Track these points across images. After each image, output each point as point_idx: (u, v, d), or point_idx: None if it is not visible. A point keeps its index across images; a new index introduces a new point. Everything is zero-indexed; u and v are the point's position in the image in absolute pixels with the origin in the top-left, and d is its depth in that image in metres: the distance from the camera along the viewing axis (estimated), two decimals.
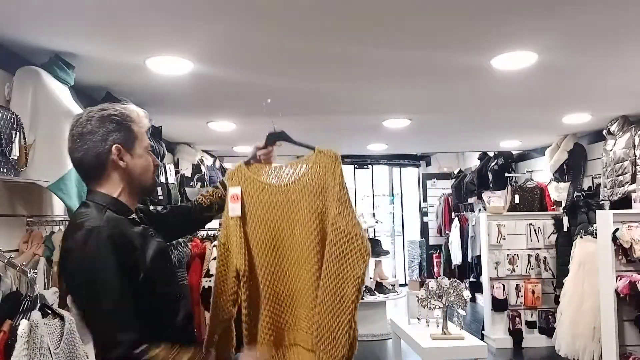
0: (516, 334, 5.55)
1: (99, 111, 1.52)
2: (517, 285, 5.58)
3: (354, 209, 1.76)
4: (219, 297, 1.88)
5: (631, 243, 3.62)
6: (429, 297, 3.53)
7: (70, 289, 1.51)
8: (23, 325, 1.86)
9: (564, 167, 5.46)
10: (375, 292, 6.26)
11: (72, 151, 1.53)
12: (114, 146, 1.50)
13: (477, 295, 6.77)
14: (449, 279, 3.60)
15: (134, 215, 1.58)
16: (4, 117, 2.14)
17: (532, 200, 5.82)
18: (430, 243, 9.13)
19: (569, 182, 5.41)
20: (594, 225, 4.33)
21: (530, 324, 5.59)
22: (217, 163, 6.30)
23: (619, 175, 4.29)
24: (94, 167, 1.52)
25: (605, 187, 4.50)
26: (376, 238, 7.00)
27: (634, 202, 3.97)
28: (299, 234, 1.80)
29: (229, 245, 1.88)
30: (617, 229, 3.67)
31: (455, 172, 8.56)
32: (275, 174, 1.88)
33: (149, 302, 1.46)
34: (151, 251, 1.51)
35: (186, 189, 4.59)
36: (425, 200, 9.41)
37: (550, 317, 5.42)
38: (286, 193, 1.83)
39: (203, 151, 6.11)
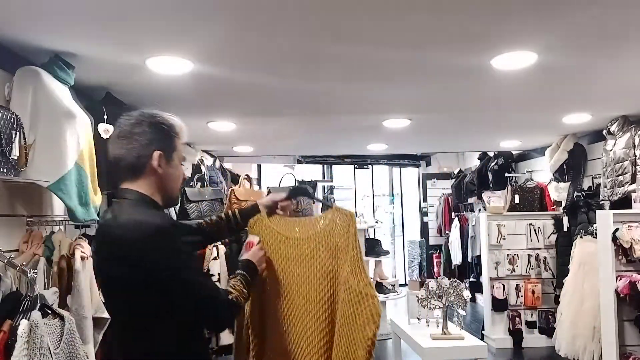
0: (516, 334, 5.55)
1: (150, 117, 1.62)
2: (517, 285, 5.58)
3: (367, 269, 1.82)
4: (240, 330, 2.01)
5: (631, 243, 3.62)
6: (429, 297, 3.53)
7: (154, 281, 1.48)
8: (23, 325, 1.86)
9: (564, 167, 5.46)
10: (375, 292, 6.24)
11: (115, 148, 1.60)
12: (155, 152, 1.58)
13: (477, 295, 6.77)
14: (449, 279, 3.60)
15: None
16: (4, 117, 2.14)
17: (532, 200, 5.82)
18: (430, 243, 9.13)
19: (569, 182, 5.41)
20: (594, 225, 4.33)
21: (530, 324, 5.59)
22: (217, 163, 6.30)
23: (619, 175, 4.29)
24: (133, 168, 1.59)
25: (605, 187, 4.50)
26: (376, 238, 7.00)
27: (634, 202, 3.97)
28: (310, 288, 1.87)
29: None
30: (617, 229, 3.67)
31: (455, 172, 8.56)
32: (293, 227, 1.96)
33: None
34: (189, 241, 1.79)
35: (186, 189, 4.59)
36: (425, 200, 9.41)
37: (550, 317, 5.42)
38: (301, 246, 1.91)
39: (203, 151, 6.11)
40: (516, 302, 5.57)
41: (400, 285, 7.14)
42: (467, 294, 3.61)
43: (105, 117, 2.90)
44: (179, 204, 4.52)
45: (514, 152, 6.80)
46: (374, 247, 6.47)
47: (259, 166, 8.69)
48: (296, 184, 4.91)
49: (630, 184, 4.14)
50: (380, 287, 6.33)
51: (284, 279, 1.91)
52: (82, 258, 2.46)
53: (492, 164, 6.81)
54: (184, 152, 1.70)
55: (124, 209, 1.55)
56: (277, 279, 1.91)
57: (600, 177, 4.72)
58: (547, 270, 5.57)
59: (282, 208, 2.02)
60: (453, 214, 8.10)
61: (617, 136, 4.39)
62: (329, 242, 1.86)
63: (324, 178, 9.45)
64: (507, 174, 6.49)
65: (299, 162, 8.61)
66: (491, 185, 6.67)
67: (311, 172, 9.25)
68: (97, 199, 2.66)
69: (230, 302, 1.61)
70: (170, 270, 1.47)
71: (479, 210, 6.96)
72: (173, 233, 1.52)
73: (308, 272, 1.87)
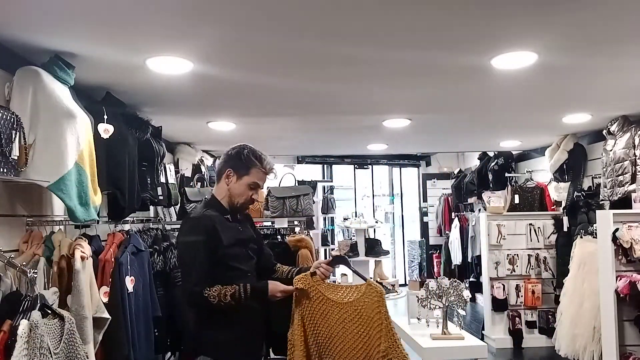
0: (516, 334, 5.55)
1: (243, 148, 2.34)
2: (517, 285, 5.58)
3: (401, 342, 2.27)
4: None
5: (631, 243, 3.62)
6: (429, 297, 3.53)
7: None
8: (23, 325, 1.86)
9: (564, 167, 5.46)
10: None
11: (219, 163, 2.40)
12: (228, 169, 2.33)
13: (477, 295, 6.77)
14: (449, 279, 3.59)
15: (228, 216, 2.32)
16: (4, 117, 2.14)
17: (532, 200, 5.82)
18: (430, 243, 9.14)
19: (569, 182, 5.41)
20: (594, 225, 4.33)
21: (530, 324, 5.59)
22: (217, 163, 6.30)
23: (619, 175, 4.29)
24: (217, 176, 2.40)
25: (605, 187, 4.50)
26: (376, 238, 7.00)
27: (634, 202, 3.97)
28: (345, 349, 2.27)
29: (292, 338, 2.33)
30: (617, 229, 3.67)
31: (455, 172, 8.56)
32: (333, 291, 2.35)
33: (226, 269, 2.24)
34: (227, 235, 2.24)
35: (186, 189, 4.59)
36: (425, 200, 9.41)
37: (550, 317, 5.42)
38: (341, 311, 2.30)
39: (203, 151, 6.11)
40: (516, 302, 5.58)
41: (400, 285, 7.13)
42: (467, 294, 3.61)
43: (105, 117, 2.90)
44: (179, 204, 4.52)
45: (514, 152, 6.80)
46: (374, 247, 6.47)
47: None
48: (296, 184, 4.91)
49: (630, 184, 4.14)
50: None
51: (324, 335, 2.29)
52: (82, 258, 2.46)
53: (492, 164, 6.81)
54: (257, 182, 2.33)
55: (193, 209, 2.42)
56: (317, 332, 2.30)
57: (600, 177, 4.73)
58: (547, 270, 5.57)
59: (323, 272, 2.36)
60: (453, 214, 8.10)
61: (617, 136, 4.39)
62: (364, 313, 2.27)
63: (324, 178, 9.45)
64: (507, 174, 6.49)
65: (299, 162, 8.61)
66: (491, 185, 6.68)
67: (311, 172, 9.25)
68: (97, 199, 2.66)
69: (197, 293, 2.13)
70: (180, 249, 2.40)
71: (479, 210, 6.96)
72: (200, 224, 2.22)
73: (347, 333, 2.27)
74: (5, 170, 2.13)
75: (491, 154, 7.03)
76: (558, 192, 5.54)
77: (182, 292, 2.38)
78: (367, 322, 2.26)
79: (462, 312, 3.61)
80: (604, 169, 4.54)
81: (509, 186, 6.02)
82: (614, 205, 4.33)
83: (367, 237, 6.54)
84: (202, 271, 2.17)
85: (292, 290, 2.30)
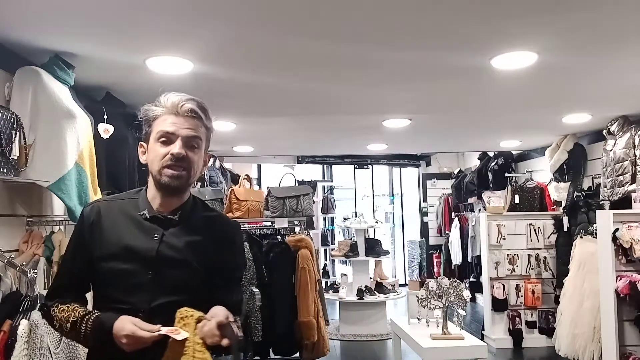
0: (516, 334, 5.54)
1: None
2: (517, 285, 5.57)
3: None
4: None
5: (631, 243, 3.62)
6: (429, 297, 3.53)
7: None
8: (23, 325, 1.86)
9: (564, 167, 5.46)
10: (375, 292, 6.26)
11: None
12: (139, 144, 1.64)
13: (477, 295, 6.77)
14: (449, 279, 3.60)
15: (145, 212, 1.55)
16: (4, 117, 2.14)
17: (532, 200, 5.82)
18: (430, 243, 9.13)
19: (569, 182, 5.41)
20: (594, 225, 4.32)
21: (530, 324, 5.58)
22: (217, 163, 6.30)
23: (619, 175, 4.29)
24: None
25: (605, 187, 4.50)
26: (376, 238, 7.00)
27: (634, 202, 3.97)
28: None
29: None
30: (617, 229, 3.67)
31: (455, 172, 8.56)
32: None
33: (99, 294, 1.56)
34: (109, 240, 1.50)
35: None
36: (425, 200, 9.40)
37: (550, 317, 5.41)
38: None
39: None
40: (516, 302, 5.57)
41: (400, 285, 7.15)
42: (467, 294, 3.61)
43: (105, 117, 2.90)
44: None
45: (514, 152, 6.80)
46: (374, 247, 6.48)
47: (259, 166, 8.70)
48: (296, 184, 4.91)
49: (630, 184, 4.14)
50: (380, 287, 6.34)
51: None
52: None
53: (492, 164, 6.81)
54: (167, 127, 1.53)
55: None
56: None
57: (600, 177, 4.72)
58: (547, 270, 5.57)
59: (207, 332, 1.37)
60: (453, 214, 8.10)
61: (617, 136, 4.39)
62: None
63: (324, 178, 9.46)
64: (507, 174, 6.48)
65: (299, 162, 8.62)
66: (491, 185, 6.68)
67: (311, 172, 9.26)
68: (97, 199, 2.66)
69: (45, 307, 1.52)
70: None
71: (479, 210, 6.96)
72: (81, 218, 1.55)
73: None
74: (5, 170, 2.13)
75: (491, 154, 7.03)
76: (558, 192, 5.54)
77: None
78: None
79: (462, 312, 3.61)
80: (604, 169, 4.54)
81: (509, 186, 6.02)
82: (614, 205, 4.32)
83: (367, 237, 6.55)
84: (60, 279, 1.60)
85: (152, 336, 1.35)
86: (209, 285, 1.51)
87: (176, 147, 1.48)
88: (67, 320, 1.43)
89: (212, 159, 6.29)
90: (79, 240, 1.53)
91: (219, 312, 1.37)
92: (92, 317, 1.42)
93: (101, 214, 1.52)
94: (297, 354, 4.07)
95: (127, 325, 1.35)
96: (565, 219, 5.29)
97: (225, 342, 1.32)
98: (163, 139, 1.51)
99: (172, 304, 1.41)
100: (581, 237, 4.70)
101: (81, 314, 1.43)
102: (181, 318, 1.38)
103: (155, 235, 1.48)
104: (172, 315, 1.38)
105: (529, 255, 5.60)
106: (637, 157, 4.13)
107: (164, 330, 1.35)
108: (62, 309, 1.45)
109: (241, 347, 1.42)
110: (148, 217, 1.51)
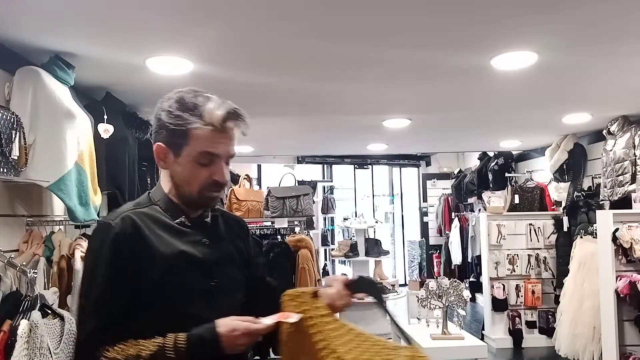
0: (516, 334, 5.55)
1: (169, 100, 1.41)
2: (517, 285, 5.58)
3: None
4: None
5: (631, 243, 3.62)
6: (429, 297, 3.53)
7: None
8: (23, 325, 1.86)
9: (564, 167, 5.46)
10: None
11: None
12: (157, 144, 1.40)
13: (477, 295, 6.76)
14: (449, 279, 3.60)
15: (182, 219, 1.41)
16: (4, 117, 2.14)
17: (532, 200, 5.82)
18: (430, 243, 9.12)
19: (569, 182, 5.41)
20: (594, 225, 4.33)
21: (530, 324, 5.59)
22: None
23: (619, 175, 4.29)
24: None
25: (605, 187, 4.50)
26: (376, 238, 7.00)
27: (634, 202, 3.97)
28: None
29: None
30: (617, 229, 3.67)
31: (455, 172, 8.55)
32: (342, 337, 1.37)
33: (159, 313, 1.39)
34: (166, 252, 1.35)
35: None
36: (425, 200, 9.40)
37: (550, 317, 5.42)
38: None
39: None
40: (516, 302, 5.57)
41: (400, 285, 7.14)
42: (467, 294, 3.61)
43: (105, 117, 2.90)
44: None
45: (514, 152, 6.80)
46: (374, 247, 6.47)
47: (259, 166, 8.69)
48: (296, 184, 4.90)
49: (630, 184, 4.14)
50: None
51: None
52: (82, 258, 2.46)
53: (492, 164, 6.81)
54: (211, 146, 1.42)
55: None
56: None
57: (600, 177, 4.72)
58: (547, 270, 5.57)
59: (343, 303, 1.44)
60: (453, 214, 8.09)
61: (617, 136, 4.39)
62: None
63: (324, 178, 9.45)
64: (507, 174, 6.48)
65: (299, 162, 8.61)
66: (491, 185, 6.67)
67: (311, 172, 9.25)
68: (97, 199, 2.66)
69: (90, 356, 1.23)
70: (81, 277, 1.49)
71: (479, 210, 6.96)
72: (110, 235, 1.30)
73: None
74: (5, 170, 2.13)
75: (491, 154, 7.03)
76: (558, 192, 5.54)
77: (75, 349, 1.45)
78: None
79: (462, 312, 3.62)
80: (604, 169, 4.54)
81: (509, 186, 6.02)
82: (614, 205, 4.33)
83: (367, 237, 6.55)
84: (103, 316, 1.25)
85: (268, 325, 1.27)
86: (249, 278, 1.49)
87: (221, 173, 1.38)
88: (139, 356, 1.21)
89: None
90: (114, 261, 1.26)
91: (333, 278, 1.40)
92: (179, 340, 1.22)
93: (137, 224, 1.31)
94: None
95: (234, 324, 1.24)
96: (565, 219, 5.29)
97: (360, 295, 1.36)
98: (202, 160, 1.36)
99: (235, 305, 1.38)
100: (581, 237, 4.70)
101: (159, 342, 1.22)
102: (291, 300, 1.33)
103: (204, 240, 1.39)
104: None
105: (529, 255, 5.61)
106: (637, 157, 4.13)
107: (275, 317, 1.29)
108: (119, 349, 1.22)
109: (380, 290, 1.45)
110: (188, 223, 1.39)
